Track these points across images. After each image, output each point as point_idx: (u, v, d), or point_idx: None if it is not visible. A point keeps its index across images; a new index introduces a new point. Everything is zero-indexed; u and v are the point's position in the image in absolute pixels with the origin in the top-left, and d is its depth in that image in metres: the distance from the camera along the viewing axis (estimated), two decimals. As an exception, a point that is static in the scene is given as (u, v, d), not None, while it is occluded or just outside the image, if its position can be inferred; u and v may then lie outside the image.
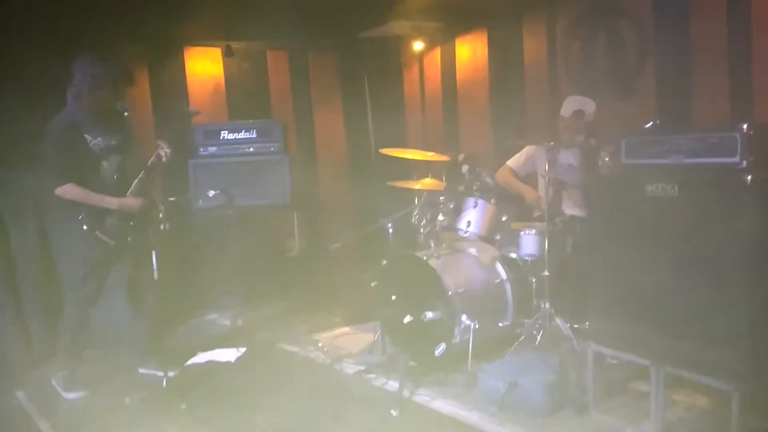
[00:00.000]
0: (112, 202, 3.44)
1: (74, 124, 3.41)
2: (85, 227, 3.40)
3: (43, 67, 4.19)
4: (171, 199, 5.17)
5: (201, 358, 4.07)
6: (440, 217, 4.02)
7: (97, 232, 3.41)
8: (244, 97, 5.91)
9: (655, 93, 4.43)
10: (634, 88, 4.55)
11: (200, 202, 5.15)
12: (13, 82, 4.31)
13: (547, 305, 3.60)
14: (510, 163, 4.43)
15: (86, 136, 3.42)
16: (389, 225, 3.51)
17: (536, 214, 4.39)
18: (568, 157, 4.25)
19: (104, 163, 3.48)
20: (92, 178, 3.44)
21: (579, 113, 4.08)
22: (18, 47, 4.22)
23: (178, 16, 4.78)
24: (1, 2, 3.85)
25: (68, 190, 3.36)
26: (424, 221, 4.12)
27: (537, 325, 3.69)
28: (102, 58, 3.46)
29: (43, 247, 4.35)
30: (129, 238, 3.52)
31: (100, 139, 3.46)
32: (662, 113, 4.28)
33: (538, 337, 3.67)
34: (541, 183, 4.23)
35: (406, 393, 3.27)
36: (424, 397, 3.27)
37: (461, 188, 4.02)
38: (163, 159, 3.54)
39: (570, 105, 4.16)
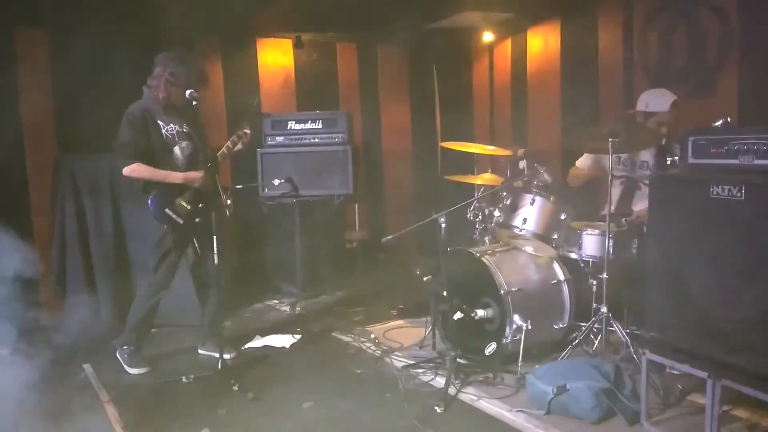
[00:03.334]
0: (177, 176, 3.59)
1: (149, 111, 3.60)
2: (156, 204, 3.57)
3: (123, 60, 4.43)
4: (238, 186, 5.34)
5: (258, 342, 4.20)
6: (496, 213, 3.92)
7: (167, 210, 3.57)
8: (313, 87, 6.01)
9: (738, 90, 4.15)
10: (714, 84, 4.28)
11: (266, 190, 5.30)
12: (97, 73, 4.59)
13: (604, 309, 3.45)
14: (578, 163, 4.28)
15: (159, 122, 3.61)
16: (442, 220, 3.46)
17: (602, 212, 4.20)
18: (645, 155, 4.04)
19: (176, 149, 3.65)
20: (165, 162, 3.61)
21: (676, 103, 3.89)
22: (103, 40, 4.45)
23: (252, 8, 4.90)
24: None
25: (135, 169, 3.55)
26: (480, 217, 4.03)
27: (594, 330, 3.55)
28: (183, 60, 3.60)
29: (117, 228, 4.59)
30: (197, 219, 3.64)
31: (172, 125, 3.64)
32: (744, 111, 4.01)
33: (596, 342, 3.54)
34: (610, 181, 4.05)
35: (452, 390, 3.24)
36: (470, 395, 3.22)
37: (519, 184, 3.91)
38: (234, 148, 3.62)
39: (664, 98, 3.92)
